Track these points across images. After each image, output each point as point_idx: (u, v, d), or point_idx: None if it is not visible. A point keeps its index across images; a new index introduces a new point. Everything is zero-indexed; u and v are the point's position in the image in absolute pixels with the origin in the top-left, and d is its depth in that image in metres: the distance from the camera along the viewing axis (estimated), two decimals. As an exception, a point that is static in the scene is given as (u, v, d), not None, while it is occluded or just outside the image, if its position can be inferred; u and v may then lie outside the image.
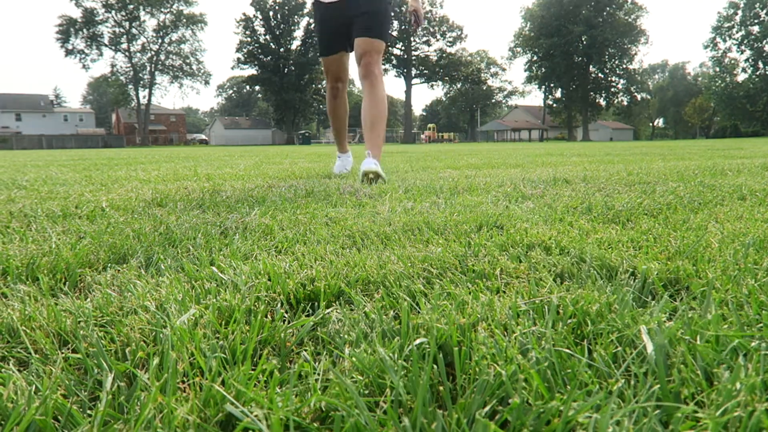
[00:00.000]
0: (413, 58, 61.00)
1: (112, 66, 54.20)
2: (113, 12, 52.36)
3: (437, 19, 61.90)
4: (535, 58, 61.43)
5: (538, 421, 0.50)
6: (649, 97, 65.60)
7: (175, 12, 54.34)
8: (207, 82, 58.14)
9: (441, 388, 0.56)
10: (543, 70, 60.54)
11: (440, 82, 64.96)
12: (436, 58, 61.71)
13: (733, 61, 55.72)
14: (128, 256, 1.19)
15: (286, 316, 0.83)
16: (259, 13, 58.43)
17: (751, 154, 6.65)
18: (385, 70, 56.46)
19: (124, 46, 53.85)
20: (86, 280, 1.02)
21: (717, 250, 1.12)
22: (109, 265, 1.12)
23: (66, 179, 3.68)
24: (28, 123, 62.44)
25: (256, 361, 0.67)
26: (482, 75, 69.15)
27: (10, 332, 0.75)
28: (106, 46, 53.31)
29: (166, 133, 64.11)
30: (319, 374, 0.63)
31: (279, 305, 0.86)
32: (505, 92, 78.26)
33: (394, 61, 59.36)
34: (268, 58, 58.12)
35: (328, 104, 3.87)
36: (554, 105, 63.15)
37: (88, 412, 0.57)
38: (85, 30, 51.95)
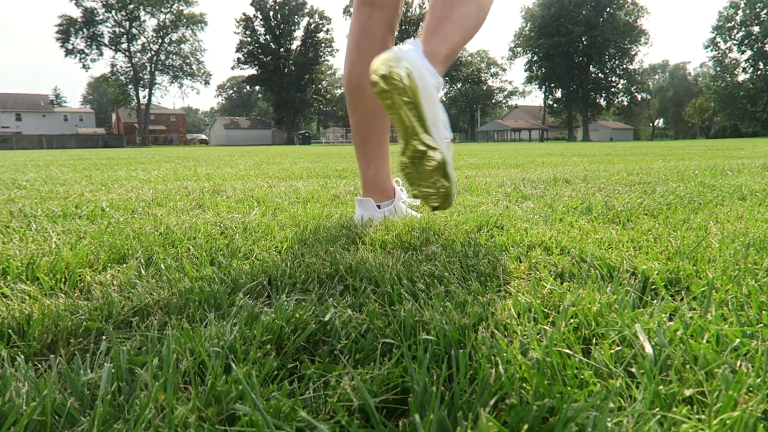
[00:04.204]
0: (413, 58, 60.82)
1: (112, 66, 54.17)
2: (113, 12, 52.35)
3: (437, 19, 61.70)
4: (535, 58, 61.39)
5: (538, 420, 0.50)
6: (649, 97, 65.58)
7: (175, 12, 54.32)
8: (207, 82, 58.11)
9: (442, 387, 0.56)
10: (543, 70, 60.50)
11: (440, 82, 64.77)
12: (436, 58, 61.52)
13: (733, 62, 55.70)
14: (128, 256, 1.19)
15: (286, 316, 0.83)
16: (259, 13, 58.40)
17: (751, 154, 6.65)
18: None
19: (124, 46, 53.83)
20: (86, 280, 1.02)
21: (717, 250, 1.12)
22: (109, 265, 1.12)
23: (66, 179, 3.68)
24: (28, 123, 62.41)
25: (256, 361, 0.67)
26: (482, 75, 69.19)
27: (10, 332, 0.75)
28: (106, 46, 53.29)
29: (166, 133, 64.08)
30: (319, 375, 0.63)
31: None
32: (505, 92, 78.31)
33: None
34: (268, 58, 58.09)
35: (347, 70, 1.55)
36: (554, 105, 63.12)
37: (88, 411, 0.57)
38: (85, 30, 51.94)
